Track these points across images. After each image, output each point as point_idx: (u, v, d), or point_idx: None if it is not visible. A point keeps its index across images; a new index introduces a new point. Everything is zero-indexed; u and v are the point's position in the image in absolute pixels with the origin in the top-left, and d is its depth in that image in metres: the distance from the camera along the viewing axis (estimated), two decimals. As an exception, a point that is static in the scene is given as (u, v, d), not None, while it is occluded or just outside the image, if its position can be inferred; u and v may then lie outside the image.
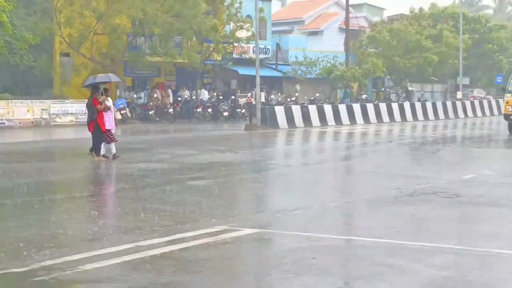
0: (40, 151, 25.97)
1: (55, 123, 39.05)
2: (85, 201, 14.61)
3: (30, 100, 39.11)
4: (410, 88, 62.82)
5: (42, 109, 39.12)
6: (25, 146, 27.93)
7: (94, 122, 21.31)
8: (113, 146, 21.61)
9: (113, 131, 21.83)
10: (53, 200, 14.66)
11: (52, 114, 39.33)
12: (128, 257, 9.43)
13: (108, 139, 21.52)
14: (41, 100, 39.85)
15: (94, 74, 44.68)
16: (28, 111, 38.55)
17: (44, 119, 39.03)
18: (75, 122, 39.70)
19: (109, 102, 21.86)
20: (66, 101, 40.98)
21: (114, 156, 21.47)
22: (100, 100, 21.33)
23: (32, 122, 38.49)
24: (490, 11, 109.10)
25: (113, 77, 24.92)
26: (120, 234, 11.06)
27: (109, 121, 21.57)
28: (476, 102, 56.78)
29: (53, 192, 15.96)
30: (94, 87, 21.87)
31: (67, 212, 13.31)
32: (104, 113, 21.39)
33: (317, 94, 52.61)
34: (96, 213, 13.12)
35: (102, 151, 21.64)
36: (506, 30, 75.08)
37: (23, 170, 19.41)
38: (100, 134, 21.38)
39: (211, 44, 45.56)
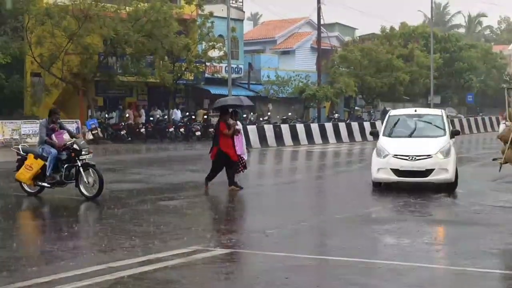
0: (10, 172, 25.65)
1: (26, 144, 38.62)
2: (56, 222, 14.44)
3: (0, 121, 38.74)
4: (387, 108, 63.29)
5: (13, 130, 38.76)
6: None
7: (218, 148, 19.10)
8: (238, 174, 19.54)
9: (244, 157, 19.83)
10: (23, 221, 14.48)
11: (23, 134, 38.95)
12: (100, 278, 9.33)
13: (240, 167, 19.55)
14: (11, 121, 39.50)
15: (66, 94, 45.08)
16: (-2, 131, 38.20)
17: (14, 139, 38.61)
18: (46, 142, 39.33)
19: (239, 125, 19.79)
20: (37, 121, 40.54)
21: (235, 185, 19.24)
22: (229, 123, 19.23)
23: (3, 142, 38.08)
24: (462, 30, 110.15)
25: (245, 101, 21.85)
26: (92, 255, 10.94)
27: (239, 146, 19.47)
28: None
29: (24, 213, 15.77)
30: (223, 110, 19.78)
31: (37, 233, 13.16)
32: (235, 137, 19.28)
33: (290, 113, 52.73)
34: (67, 234, 12.98)
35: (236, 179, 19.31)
36: (476, 49, 75.81)
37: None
38: (225, 162, 19.10)
39: (183, 63, 45.51)
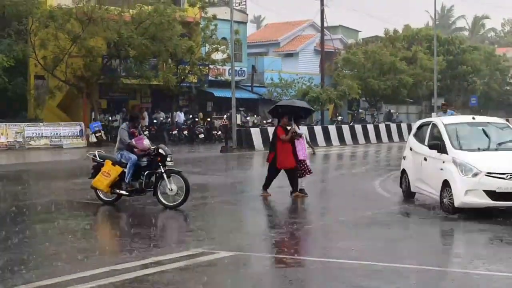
0: (14, 174, 25.75)
1: (29, 146, 38.75)
2: (60, 225, 14.45)
3: (4, 123, 38.80)
4: (392, 111, 63.35)
5: (17, 132, 38.83)
6: (-1, 169, 27.70)
7: (275, 154, 18.42)
8: (303, 180, 18.61)
9: (307, 162, 18.80)
10: (27, 224, 14.50)
11: (27, 137, 39.03)
12: (104, 281, 9.35)
13: (303, 171, 18.47)
14: (15, 123, 39.55)
15: (70, 97, 45.14)
16: (2, 134, 38.24)
17: (18, 142, 38.72)
18: (50, 145, 39.45)
19: (300, 130, 18.82)
20: (41, 124, 40.69)
21: (301, 191, 18.39)
22: (289, 128, 18.37)
23: (6, 145, 38.16)
24: (466, 33, 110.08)
25: (299, 103, 20.62)
26: (95, 257, 10.95)
27: (302, 150, 18.55)
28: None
29: (27, 215, 15.78)
30: (281, 115, 18.94)
31: (41, 236, 13.17)
32: (296, 142, 18.49)
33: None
34: (70, 237, 12.99)
35: (302, 186, 18.46)
36: (479, 52, 75.74)
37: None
38: (273, 168, 18.48)
39: (186, 66, 45.55)
